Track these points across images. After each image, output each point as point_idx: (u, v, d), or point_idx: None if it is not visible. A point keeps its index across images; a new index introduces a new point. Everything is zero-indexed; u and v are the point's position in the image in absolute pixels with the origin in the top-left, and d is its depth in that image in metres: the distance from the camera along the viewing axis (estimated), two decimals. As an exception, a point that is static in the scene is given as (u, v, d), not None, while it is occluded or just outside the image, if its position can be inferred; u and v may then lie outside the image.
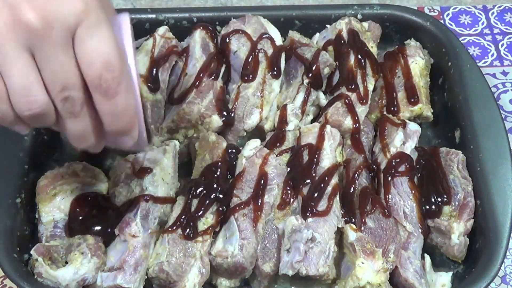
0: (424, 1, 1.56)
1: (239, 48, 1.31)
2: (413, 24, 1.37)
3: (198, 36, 1.33)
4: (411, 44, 1.36)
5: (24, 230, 1.11)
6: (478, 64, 1.29)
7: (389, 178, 1.14)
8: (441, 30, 1.34)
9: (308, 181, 1.12)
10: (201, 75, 1.25)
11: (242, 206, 1.09)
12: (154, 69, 1.27)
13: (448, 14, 1.52)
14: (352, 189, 1.13)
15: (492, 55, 1.45)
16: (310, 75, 1.25)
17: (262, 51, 1.29)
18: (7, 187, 1.12)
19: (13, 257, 1.05)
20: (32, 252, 1.04)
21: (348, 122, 1.21)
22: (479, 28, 1.50)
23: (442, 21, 1.49)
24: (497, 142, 1.17)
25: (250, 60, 1.28)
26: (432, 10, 1.53)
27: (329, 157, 1.15)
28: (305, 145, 1.18)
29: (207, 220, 1.08)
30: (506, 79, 1.41)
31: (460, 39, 1.42)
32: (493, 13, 1.51)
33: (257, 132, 1.25)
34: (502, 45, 1.46)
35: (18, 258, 1.06)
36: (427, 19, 1.36)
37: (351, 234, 1.05)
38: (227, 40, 1.32)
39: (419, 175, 1.16)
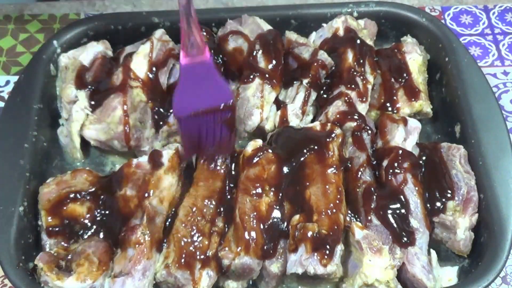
0: (425, 1, 1.56)
1: (237, 49, 1.30)
2: (409, 21, 1.38)
3: (194, 38, 1.32)
4: (408, 40, 1.37)
5: (28, 238, 1.10)
6: (479, 64, 1.30)
7: (392, 175, 1.14)
8: (437, 26, 1.35)
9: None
10: (200, 77, 1.24)
11: (247, 207, 1.08)
12: (153, 73, 1.26)
13: (449, 14, 1.53)
14: (356, 187, 1.13)
15: (493, 55, 1.45)
16: (309, 75, 1.25)
17: (260, 51, 1.29)
18: (9, 195, 1.11)
19: (19, 267, 1.04)
20: (36, 261, 1.03)
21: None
22: (480, 28, 1.50)
23: (443, 21, 1.49)
24: (498, 135, 1.18)
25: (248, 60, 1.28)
26: (433, 10, 1.54)
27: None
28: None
29: (214, 222, 1.08)
30: (507, 79, 1.41)
31: (461, 39, 1.42)
32: (494, 13, 1.52)
33: (258, 132, 1.25)
34: (503, 45, 1.47)
35: (24, 267, 1.05)
36: (422, 15, 1.37)
37: (357, 232, 1.05)
38: (225, 41, 1.31)
39: (422, 170, 1.16)
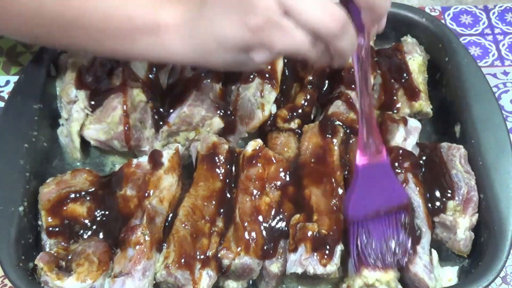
0: (425, 1, 1.56)
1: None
2: (409, 21, 1.38)
3: (194, 38, 1.32)
4: (408, 40, 1.37)
5: (28, 238, 1.10)
6: (479, 64, 1.30)
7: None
8: (437, 26, 1.35)
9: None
10: (200, 77, 1.24)
11: (247, 207, 1.08)
12: (153, 73, 1.26)
13: (449, 14, 1.53)
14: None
15: (493, 55, 1.46)
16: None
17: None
18: (9, 195, 1.11)
19: (19, 267, 1.04)
20: (36, 261, 1.03)
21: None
22: (480, 28, 1.51)
23: (443, 21, 1.49)
24: (498, 135, 1.18)
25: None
26: (433, 10, 1.54)
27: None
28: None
29: (214, 222, 1.08)
30: (507, 79, 1.42)
31: (461, 39, 1.43)
32: (494, 13, 1.52)
33: (258, 132, 1.25)
34: (503, 45, 1.47)
35: (24, 267, 1.05)
36: (422, 15, 1.37)
37: (358, 232, 1.05)
38: (225, 42, 1.31)
39: (422, 170, 1.16)
